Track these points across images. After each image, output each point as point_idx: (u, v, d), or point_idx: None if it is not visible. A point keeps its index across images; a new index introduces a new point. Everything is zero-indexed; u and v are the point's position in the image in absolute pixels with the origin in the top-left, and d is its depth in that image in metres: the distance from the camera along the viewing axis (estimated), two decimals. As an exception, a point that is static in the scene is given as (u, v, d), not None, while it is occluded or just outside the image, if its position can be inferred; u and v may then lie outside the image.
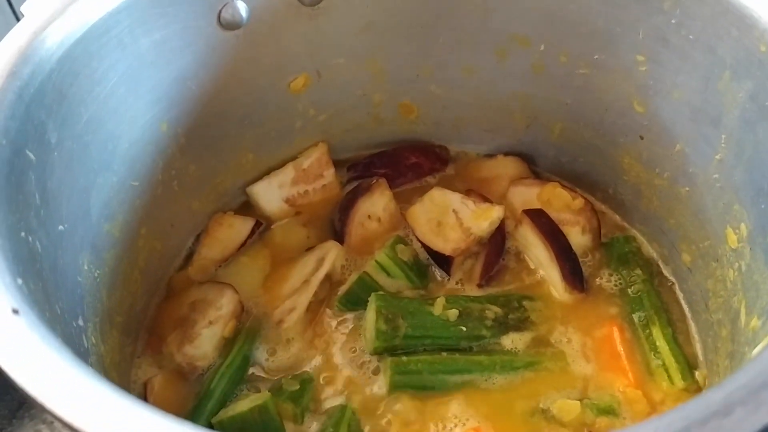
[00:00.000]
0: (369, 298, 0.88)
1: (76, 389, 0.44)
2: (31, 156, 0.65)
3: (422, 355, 0.85)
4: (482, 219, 0.94)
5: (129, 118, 0.81)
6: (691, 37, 0.77)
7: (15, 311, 0.48)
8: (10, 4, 1.46)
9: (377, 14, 0.92)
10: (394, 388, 0.83)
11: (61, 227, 0.70)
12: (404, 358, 0.85)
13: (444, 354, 0.86)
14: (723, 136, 0.77)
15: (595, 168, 1.00)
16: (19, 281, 0.53)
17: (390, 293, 0.90)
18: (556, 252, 0.91)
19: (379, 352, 0.86)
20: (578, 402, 0.81)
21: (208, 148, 0.95)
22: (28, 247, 0.61)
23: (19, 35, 0.68)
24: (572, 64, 0.91)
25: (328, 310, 0.92)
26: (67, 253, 0.71)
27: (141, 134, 0.83)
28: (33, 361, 0.46)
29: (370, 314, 0.87)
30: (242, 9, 0.85)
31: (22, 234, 0.61)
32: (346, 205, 0.99)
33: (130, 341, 0.88)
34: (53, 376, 0.45)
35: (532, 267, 0.96)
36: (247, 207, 1.03)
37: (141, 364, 0.89)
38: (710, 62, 0.75)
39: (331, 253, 0.95)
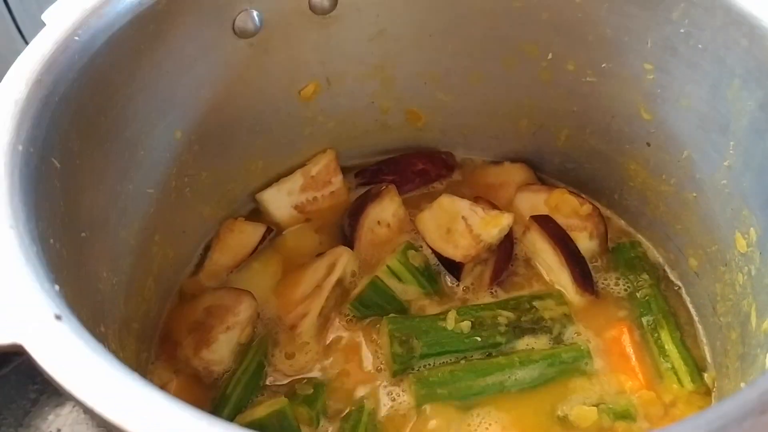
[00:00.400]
0: (382, 321, 0.89)
1: (129, 394, 0.45)
2: (57, 164, 0.66)
3: (442, 367, 0.87)
4: (492, 226, 0.95)
5: (145, 125, 0.81)
6: (699, 46, 0.78)
7: (58, 317, 0.49)
8: (10, 11, 1.46)
9: (387, 23, 0.93)
10: (422, 403, 0.84)
11: (83, 234, 0.70)
12: (425, 372, 0.86)
13: (463, 362, 0.87)
14: (731, 143, 0.79)
15: (600, 174, 1.02)
16: (57, 287, 0.53)
17: (401, 315, 0.92)
18: (566, 256, 0.93)
19: (399, 374, 0.87)
20: (595, 408, 0.82)
21: (220, 155, 0.95)
22: (57, 254, 0.62)
23: (42, 44, 0.69)
24: (580, 72, 0.92)
25: (340, 316, 0.93)
26: (88, 260, 0.72)
27: (156, 142, 0.84)
28: (83, 368, 0.46)
29: (384, 339, 0.88)
30: (256, 17, 0.86)
31: (51, 241, 0.61)
32: (355, 211, 1.00)
33: (145, 348, 0.88)
34: (105, 381, 0.45)
35: (542, 272, 0.97)
36: (257, 213, 1.04)
37: (155, 370, 0.89)
38: (719, 71, 0.77)
39: (342, 259, 0.95)
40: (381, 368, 0.88)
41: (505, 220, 0.95)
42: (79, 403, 0.44)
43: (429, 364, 0.87)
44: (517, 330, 0.89)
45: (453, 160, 1.10)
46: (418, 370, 0.87)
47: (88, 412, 0.44)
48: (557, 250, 0.94)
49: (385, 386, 0.86)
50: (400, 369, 0.86)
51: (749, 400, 0.43)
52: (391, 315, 0.90)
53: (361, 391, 0.86)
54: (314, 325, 0.91)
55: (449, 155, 1.10)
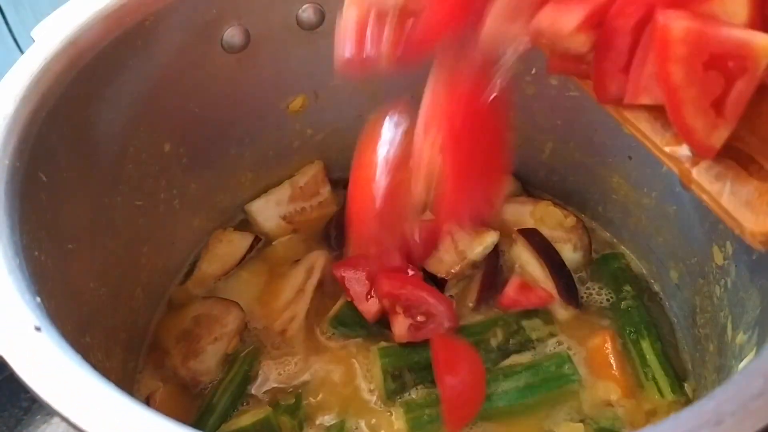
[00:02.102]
0: (372, 350, 0.90)
1: (105, 406, 0.46)
2: (44, 177, 0.67)
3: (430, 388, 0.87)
4: (476, 243, 0.96)
5: (133, 139, 0.83)
6: (677, 62, 0.80)
7: (37, 328, 0.50)
8: (7, 24, 1.48)
9: (374, 38, 0.95)
10: (411, 425, 0.84)
11: (69, 246, 0.72)
12: (413, 396, 0.87)
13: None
14: (708, 157, 0.80)
15: (584, 187, 1.03)
16: (38, 299, 0.55)
17: (390, 345, 0.90)
18: (551, 269, 0.94)
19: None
20: (581, 424, 0.83)
21: (209, 167, 0.97)
22: (41, 265, 0.63)
23: (31, 60, 0.70)
24: (563, 86, 0.94)
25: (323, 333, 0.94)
26: (74, 271, 0.73)
27: (145, 155, 0.85)
28: (60, 379, 0.47)
29: (376, 371, 0.88)
30: (244, 33, 0.87)
31: (36, 253, 0.63)
32: (342, 222, 1.01)
33: (132, 357, 0.89)
34: (80, 392, 0.47)
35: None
36: (246, 224, 1.05)
37: (142, 379, 0.90)
38: (696, 87, 0.78)
39: (319, 262, 0.97)
40: (365, 374, 0.89)
41: (489, 238, 0.96)
42: (55, 413, 0.45)
43: (418, 389, 0.88)
44: (504, 353, 0.90)
45: (439, 170, 1.11)
46: (407, 395, 0.87)
47: (65, 421, 0.46)
48: (542, 263, 0.95)
49: (373, 402, 0.87)
50: (392, 400, 0.86)
51: (705, 411, 0.44)
52: (382, 345, 0.90)
53: (346, 403, 0.87)
54: (303, 328, 0.92)
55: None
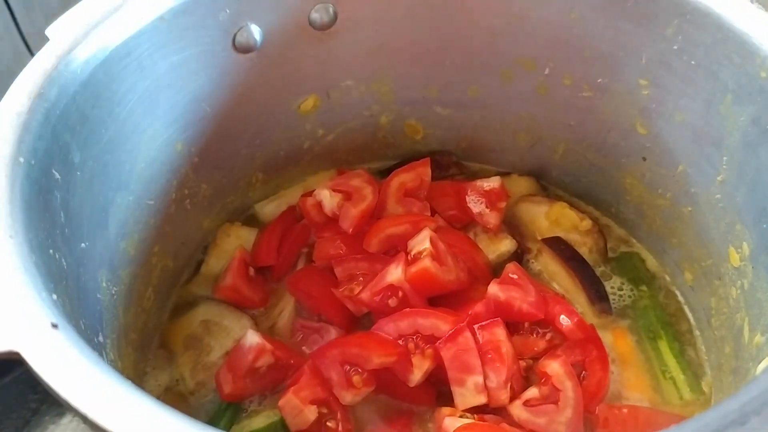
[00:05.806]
0: None
1: (123, 402, 0.46)
2: (57, 175, 0.67)
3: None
4: (489, 250, 0.96)
5: (146, 138, 0.83)
6: (693, 62, 0.79)
7: (54, 325, 0.50)
8: (17, 25, 1.48)
9: (386, 38, 0.95)
10: None
11: (83, 245, 0.72)
12: None
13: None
14: (725, 158, 0.80)
15: (598, 188, 1.02)
16: (54, 297, 0.54)
17: None
18: (580, 278, 0.93)
19: None
20: None
21: (220, 168, 0.97)
22: (56, 264, 0.63)
23: (45, 58, 0.70)
24: (576, 86, 0.93)
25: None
26: (87, 270, 0.73)
27: (157, 154, 0.85)
28: (77, 375, 0.47)
29: None
30: (256, 33, 0.87)
31: (50, 251, 0.62)
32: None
33: (142, 358, 0.89)
34: (98, 389, 0.46)
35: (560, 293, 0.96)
36: (253, 220, 1.05)
37: (149, 378, 0.90)
38: (712, 87, 0.78)
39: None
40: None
41: (504, 247, 0.97)
42: (72, 410, 0.45)
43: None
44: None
45: (449, 159, 1.09)
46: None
47: (81, 418, 0.45)
48: (570, 272, 0.94)
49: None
50: None
51: (730, 411, 0.44)
52: None
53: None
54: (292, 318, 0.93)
55: (443, 155, 1.09)
